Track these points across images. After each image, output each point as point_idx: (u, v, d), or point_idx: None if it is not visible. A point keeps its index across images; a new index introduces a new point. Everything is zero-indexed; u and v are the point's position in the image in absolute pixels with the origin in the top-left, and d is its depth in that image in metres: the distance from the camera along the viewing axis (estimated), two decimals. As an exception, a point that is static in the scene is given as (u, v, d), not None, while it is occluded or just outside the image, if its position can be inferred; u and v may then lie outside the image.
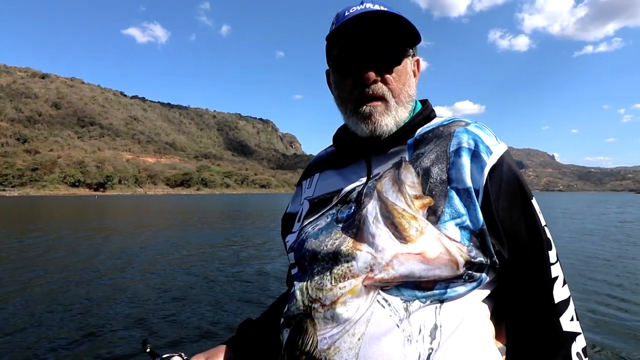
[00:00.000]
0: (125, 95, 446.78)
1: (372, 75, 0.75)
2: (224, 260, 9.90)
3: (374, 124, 0.77)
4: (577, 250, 10.75)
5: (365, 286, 0.67)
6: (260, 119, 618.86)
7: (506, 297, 0.74)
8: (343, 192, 0.82)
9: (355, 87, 0.78)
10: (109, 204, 55.04)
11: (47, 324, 5.13)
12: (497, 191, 0.71)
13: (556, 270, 0.73)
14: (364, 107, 0.77)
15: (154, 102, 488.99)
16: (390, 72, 0.78)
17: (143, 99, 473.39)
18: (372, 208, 0.73)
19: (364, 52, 0.76)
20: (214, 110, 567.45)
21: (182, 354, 0.85)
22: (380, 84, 0.77)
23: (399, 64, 0.79)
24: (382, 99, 0.77)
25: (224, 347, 0.90)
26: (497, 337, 0.73)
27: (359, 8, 0.77)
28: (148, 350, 0.87)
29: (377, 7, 0.76)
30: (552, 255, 0.73)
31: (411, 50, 0.82)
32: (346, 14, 0.78)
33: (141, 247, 11.93)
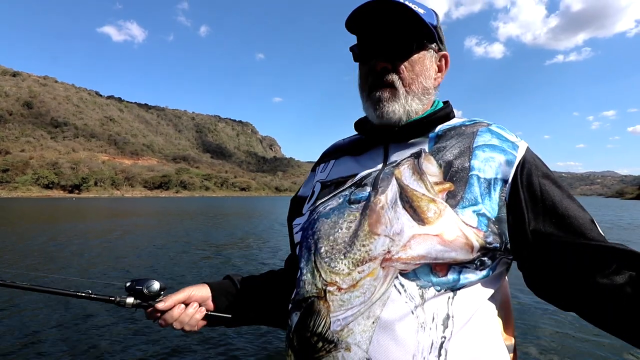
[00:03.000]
0: (101, 95, 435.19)
1: (380, 64, 0.79)
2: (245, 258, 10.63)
3: (381, 109, 0.80)
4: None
5: (383, 268, 0.68)
6: (240, 121, 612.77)
7: (562, 272, 0.71)
8: (358, 176, 0.83)
9: (369, 74, 0.82)
10: (91, 206, 54.21)
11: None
12: (531, 181, 0.74)
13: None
14: (374, 93, 0.80)
15: (131, 102, 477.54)
16: (403, 62, 0.80)
17: (119, 99, 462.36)
18: (390, 192, 0.75)
19: (376, 42, 0.80)
20: (192, 112, 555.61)
21: (160, 281, 0.89)
22: (391, 73, 0.79)
23: (410, 54, 0.80)
24: (391, 86, 0.80)
25: (202, 284, 0.95)
26: (505, 333, 0.75)
27: None
28: (128, 284, 0.89)
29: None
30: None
31: (434, 45, 0.84)
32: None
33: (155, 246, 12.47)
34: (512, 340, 0.76)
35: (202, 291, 0.92)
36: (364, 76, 0.83)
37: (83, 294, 0.88)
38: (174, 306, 0.87)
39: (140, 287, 0.87)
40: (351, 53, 0.88)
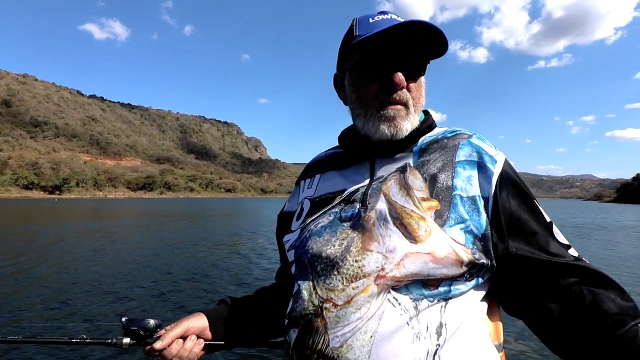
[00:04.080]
0: (83, 94, 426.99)
1: (403, 81, 0.79)
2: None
3: (396, 127, 0.80)
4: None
5: (377, 285, 0.70)
6: (225, 122, 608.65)
7: (524, 288, 0.77)
8: (346, 192, 0.84)
9: (382, 90, 0.80)
10: (75, 207, 53.23)
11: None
12: (507, 196, 0.77)
13: (573, 251, 0.78)
14: (389, 109, 0.80)
15: (113, 102, 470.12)
16: (415, 81, 0.82)
17: (102, 99, 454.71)
18: (380, 209, 0.76)
19: (397, 59, 0.79)
20: (177, 112, 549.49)
21: (154, 318, 0.89)
22: (404, 91, 0.80)
23: (424, 74, 0.84)
24: (405, 104, 0.81)
25: (198, 313, 0.94)
26: (493, 335, 0.77)
27: (384, 17, 0.81)
28: (123, 320, 0.89)
29: (413, 18, 0.78)
30: (563, 239, 0.78)
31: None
32: (371, 20, 0.81)
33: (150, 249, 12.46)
34: (501, 340, 0.79)
35: (199, 322, 0.92)
36: (374, 90, 0.81)
37: (79, 340, 0.87)
38: (171, 342, 0.87)
39: (136, 328, 0.87)
40: (348, 62, 0.86)
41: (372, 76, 0.81)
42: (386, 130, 0.81)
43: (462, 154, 0.80)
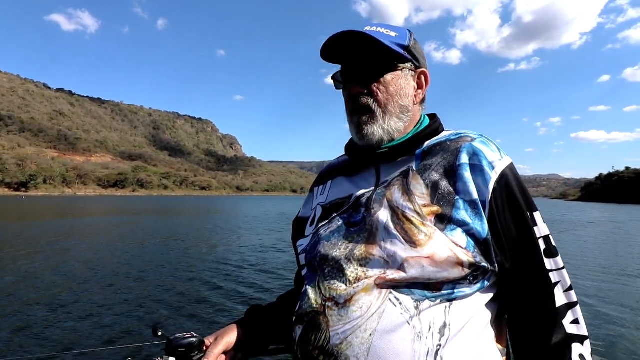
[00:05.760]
0: (50, 88, 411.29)
1: (354, 88, 0.85)
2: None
3: (362, 132, 0.84)
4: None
5: (377, 285, 0.72)
6: (200, 119, 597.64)
7: (510, 301, 0.80)
8: (353, 197, 0.87)
9: (349, 100, 0.87)
10: (47, 204, 51.64)
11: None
12: (502, 204, 0.77)
13: (558, 276, 0.78)
14: (354, 117, 0.86)
15: (83, 96, 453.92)
16: (376, 85, 0.84)
17: (70, 93, 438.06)
18: (383, 214, 0.78)
19: (349, 69, 0.87)
20: (150, 108, 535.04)
21: (194, 332, 0.91)
22: (366, 97, 0.84)
23: (381, 77, 0.84)
24: (367, 109, 0.84)
25: (233, 326, 0.96)
26: (498, 340, 0.79)
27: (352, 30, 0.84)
28: (160, 334, 0.91)
29: (368, 28, 0.84)
30: (553, 262, 0.78)
31: (409, 64, 0.87)
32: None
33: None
34: (506, 345, 0.80)
35: (236, 335, 0.94)
36: (346, 102, 0.88)
37: None
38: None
39: (183, 349, 0.89)
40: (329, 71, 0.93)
41: (343, 88, 0.89)
42: (356, 137, 0.86)
43: (464, 158, 0.80)
